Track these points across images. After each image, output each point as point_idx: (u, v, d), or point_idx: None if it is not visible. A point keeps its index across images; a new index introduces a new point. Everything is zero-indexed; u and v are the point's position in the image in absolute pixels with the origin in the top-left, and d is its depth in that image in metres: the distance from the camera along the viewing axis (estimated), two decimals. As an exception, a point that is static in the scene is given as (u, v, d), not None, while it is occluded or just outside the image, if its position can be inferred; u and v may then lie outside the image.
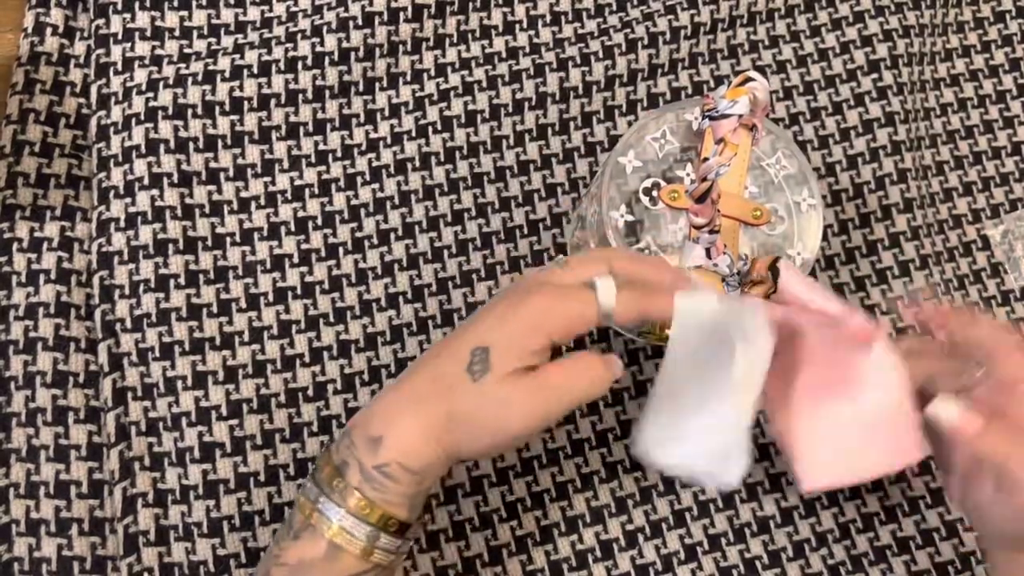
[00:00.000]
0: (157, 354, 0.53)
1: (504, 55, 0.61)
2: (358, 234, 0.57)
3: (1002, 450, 0.42)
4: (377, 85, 0.59)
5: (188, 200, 0.55)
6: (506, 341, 0.40)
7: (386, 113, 0.59)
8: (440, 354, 0.41)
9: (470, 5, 0.62)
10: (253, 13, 0.60)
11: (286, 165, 0.57)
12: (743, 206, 0.50)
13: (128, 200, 0.54)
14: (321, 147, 0.58)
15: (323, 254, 0.56)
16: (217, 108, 0.57)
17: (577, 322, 0.40)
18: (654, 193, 0.50)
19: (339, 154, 0.58)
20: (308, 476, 0.42)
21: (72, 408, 0.52)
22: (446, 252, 0.57)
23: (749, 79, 0.49)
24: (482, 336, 0.40)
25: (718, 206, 0.48)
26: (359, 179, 0.58)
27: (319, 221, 0.57)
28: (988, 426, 0.42)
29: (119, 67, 0.57)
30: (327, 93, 0.58)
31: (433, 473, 0.41)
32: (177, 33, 0.58)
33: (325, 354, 0.55)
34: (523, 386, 0.39)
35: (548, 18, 0.63)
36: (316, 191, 0.57)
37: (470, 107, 0.60)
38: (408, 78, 0.60)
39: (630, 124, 0.61)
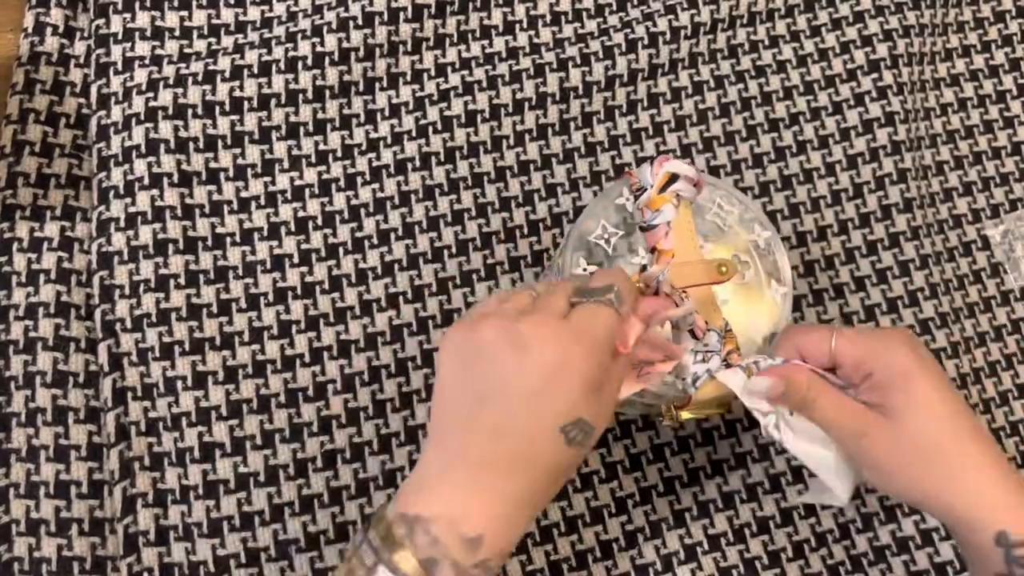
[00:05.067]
0: (157, 354, 0.53)
1: (504, 55, 0.61)
2: (358, 234, 0.57)
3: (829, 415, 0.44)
4: (377, 85, 0.59)
5: (188, 200, 0.55)
6: (591, 400, 0.38)
7: (386, 113, 0.59)
8: (520, 437, 0.38)
9: (470, 5, 0.62)
10: (253, 13, 0.60)
11: (286, 165, 0.57)
12: (706, 268, 0.49)
13: (128, 200, 0.54)
14: (321, 147, 0.58)
15: (323, 254, 0.56)
16: (217, 108, 0.57)
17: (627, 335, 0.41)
18: (628, 257, 0.49)
19: (339, 154, 0.58)
20: (377, 565, 0.37)
21: (72, 408, 0.52)
22: (446, 252, 0.57)
23: (672, 177, 0.48)
24: (567, 408, 0.38)
25: (679, 292, 0.47)
26: (359, 179, 0.58)
27: (319, 221, 0.57)
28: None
29: (119, 67, 0.57)
30: (327, 93, 0.58)
31: None
32: (177, 33, 0.58)
33: (325, 354, 0.55)
34: (604, 425, 0.40)
35: (548, 18, 0.63)
36: (316, 191, 0.57)
37: (470, 107, 0.60)
38: (408, 78, 0.60)
39: (630, 124, 0.62)
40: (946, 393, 0.43)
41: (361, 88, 0.59)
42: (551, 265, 0.55)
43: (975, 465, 0.42)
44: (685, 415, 0.49)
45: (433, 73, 0.60)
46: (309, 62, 0.58)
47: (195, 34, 0.59)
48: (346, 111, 0.59)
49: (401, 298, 0.56)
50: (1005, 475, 0.42)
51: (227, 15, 0.59)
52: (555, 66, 0.61)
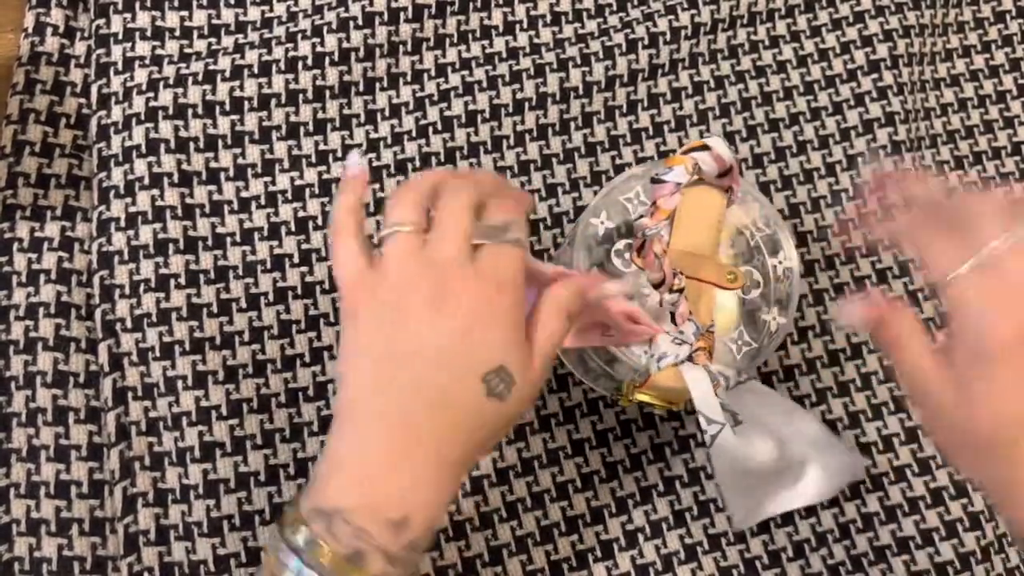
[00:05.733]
0: (157, 354, 0.53)
1: (504, 55, 0.61)
2: (358, 234, 0.57)
3: (973, 294, 0.38)
4: (377, 85, 0.60)
5: (188, 200, 0.55)
6: (511, 345, 0.37)
7: (386, 113, 0.59)
8: (439, 398, 0.36)
9: (470, 5, 0.62)
10: (253, 13, 0.60)
11: (286, 165, 0.57)
12: (717, 270, 0.49)
13: (128, 200, 0.54)
14: (321, 147, 0.58)
15: (323, 254, 0.56)
16: (217, 108, 0.57)
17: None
18: (626, 255, 0.50)
19: (339, 154, 0.58)
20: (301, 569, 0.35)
21: (72, 408, 0.52)
22: (446, 252, 0.57)
23: (703, 147, 0.48)
24: (487, 356, 0.36)
25: (676, 270, 0.47)
26: (359, 179, 0.58)
27: (319, 221, 0.57)
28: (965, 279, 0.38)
29: (119, 67, 0.57)
30: (327, 93, 0.58)
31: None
32: (177, 33, 0.58)
33: (325, 354, 0.55)
34: (535, 376, 0.38)
35: (548, 18, 0.63)
36: (316, 191, 0.57)
37: (470, 107, 0.60)
38: (408, 78, 0.60)
39: (631, 124, 0.62)
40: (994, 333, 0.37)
41: (361, 88, 0.59)
42: (555, 261, 0.55)
43: None
44: (640, 396, 0.49)
45: (433, 73, 0.60)
46: (309, 62, 0.58)
47: (195, 34, 0.59)
48: (346, 111, 0.59)
49: (401, 298, 0.56)
50: None
51: (227, 15, 0.59)
52: (555, 66, 0.61)
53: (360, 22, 0.59)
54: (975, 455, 0.39)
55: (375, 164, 0.58)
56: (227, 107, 0.57)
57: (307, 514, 0.36)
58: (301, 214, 0.57)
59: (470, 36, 0.61)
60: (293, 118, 0.58)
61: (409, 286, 0.37)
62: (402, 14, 0.60)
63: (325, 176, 0.58)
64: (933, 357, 0.40)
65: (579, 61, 0.61)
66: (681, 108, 0.62)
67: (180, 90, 0.56)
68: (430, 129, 0.59)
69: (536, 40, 0.62)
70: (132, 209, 0.54)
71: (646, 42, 0.62)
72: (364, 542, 0.35)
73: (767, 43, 0.64)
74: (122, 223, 0.54)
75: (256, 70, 0.58)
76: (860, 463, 0.47)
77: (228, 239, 0.55)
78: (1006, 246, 0.37)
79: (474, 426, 0.37)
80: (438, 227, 0.38)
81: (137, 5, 0.58)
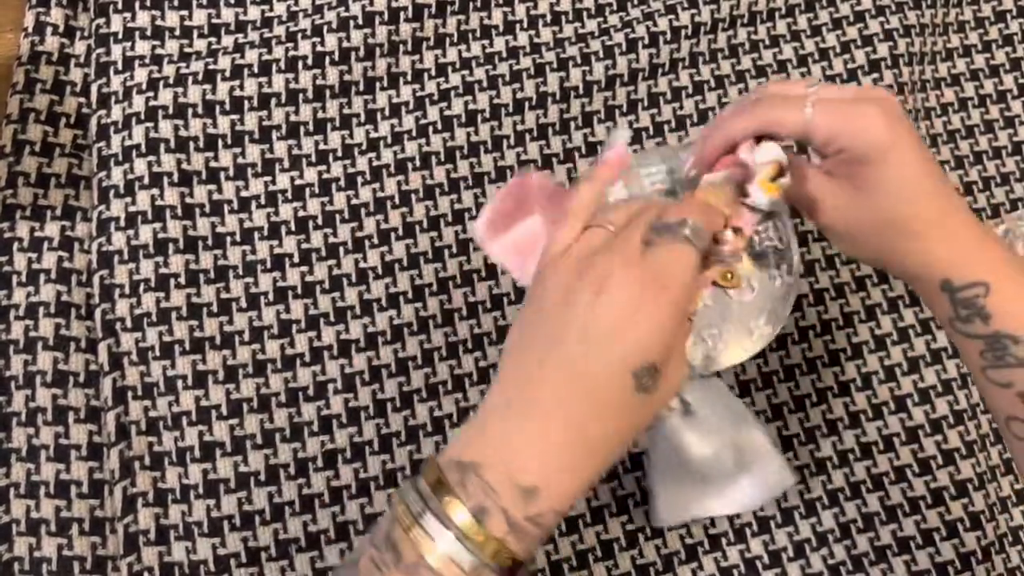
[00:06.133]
0: (157, 353, 0.53)
1: (505, 55, 0.61)
2: (358, 234, 0.57)
3: (831, 121, 0.42)
4: (378, 85, 0.59)
5: (188, 199, 0.55)
6: (666, 345, 0.37)
7: (386, 113, 0.59)
8: (587, 381, 0.37)
9: (471, 5, 0.62)
10: (253, 12, 0.60)
11: (286, 164, 0.57)
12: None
13: (128, 199, 0.54)
14: (321, 147, 0.58)
15: (323, 254, 0.56)
16: (217, 107, 0.57)
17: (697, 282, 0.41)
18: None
19: (339, 154, 0.58)
20: (426, 509, 0.36)
21: (72, 408, 0.52)
22: (447, 251, 0.57)
23: (780, 173, 0.45)
24: (639, 352, 0.37)
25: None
26: (359, 179, 0.58)
27: (319, 221, 0.57)
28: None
29: (119, 66, 0.57)
30: (327, 93, 0.58)
31: None
32: (177, 32, 0.58)
33: (325, 354, 0.55)
34: (681, 373, 0.40)
35: (549, 18, 0.62)
36: (316, 191, 0.57)
37: (471, 107, 0.60)
38: (409, 78, 0.60)
39: (631, 124, 0.61)
40: (917, 168, 0.42)
41: (361, 88, 0.59)
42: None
43: (940, 237, 0.43)
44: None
45: (433, 73, 0.60)
46: (309, 62, 0.58)
47: (195, 33, 0.59)
48: (346, 111, 0.59)
49: (401, 298, 0.56)
50: (979, 237, 0.43)
51: (227, 14, 0.59)
52: (555, 66, 0.61)
53: (360, 21, 0.59)
54: (869, 239, 0.44)
55: (375, 164, 0.58)
56: (227, 106, 0.57)
57: (444, 464, 0.36)
58: (301, 214, 0.57)
59: (470, 36, 0.61)
60: (293, 117, 0.58)
61: (583, 269, 0.38)
62: (402, 14, 0.60)
63: (325, 176, 0.58)
64: (820, 171, 0.44)
65: (579, 60, 0.61)
66: (681, 108, 0.62)
67: (180, 89, 0.56)
68: (430, 129, 0.59)
69: (536, 40, 0.62)
70: (132, 209, 0.54)
71: (646, 41, 0.62)
72: (491, 500, 0.35)
73: (768, 42, 0.64)
74: (122, 223, 0.54)
75: (256, 69, 0.57)
76: (790, 480, 0.48)
77: (228, 239, 0.55)
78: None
79: (618, 417, 0.37)
80: (626, 227, 0.40)
81: (137, 5, 0.58)
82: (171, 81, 0.56)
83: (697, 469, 0.46)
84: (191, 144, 0.56)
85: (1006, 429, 0.43)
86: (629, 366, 0.37)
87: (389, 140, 0.59)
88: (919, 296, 0.47)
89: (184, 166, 0.56)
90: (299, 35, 0.58)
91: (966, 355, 0.44)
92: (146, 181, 0.55)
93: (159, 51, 0.58)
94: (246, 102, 0.57)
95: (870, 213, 0.43)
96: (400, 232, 0.57)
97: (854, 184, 0.43)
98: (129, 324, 0.53)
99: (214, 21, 0.59)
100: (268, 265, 0.55)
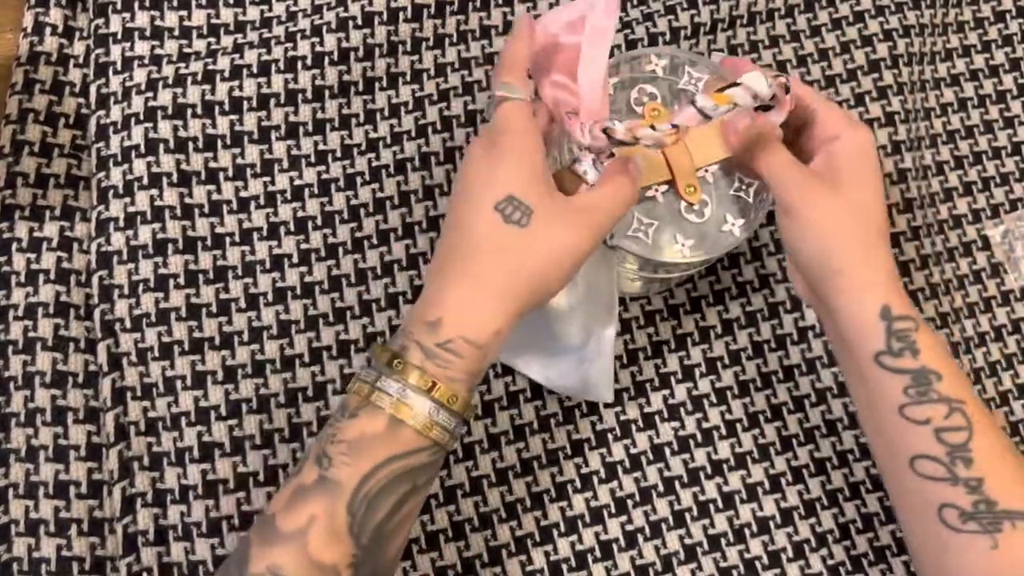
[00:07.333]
0: (156, 354, 0.53)
1: (504, 55, 0.61)
2: (358, 234, 0.57)
3: (777, 172, 0.48)
4: (377, 85, 0.59)
5: (187, 200, 0.55)
6: (521, 179, 0.42)
7: (386, 113, 0.59)
8: (462, 227, 0.43)
9: (470, 5, 0.62)
10: (252, 13, 0.60)
11: (286, 165, 0.57)
12: (689, 166, 0.51)
13: (127, 200, 0.54)
14: (321, 147, 0.58)
15: (323, 254, 0.56)
16: (217, 108, 0.57)
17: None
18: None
19: (339, 154, 0.58)
20: (362, 368, 0.42)
21: (71, 408, 0.52)
22: (446, 252, 0.57)
23: (736, 84, 0.46)
24: (495, 189, 0.42)
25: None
26: (359, 179, 0.58)
27: (319, 221, 0.57)
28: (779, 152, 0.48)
29: (118, 67, 0.57)
30: (327, 93, 0.58)
31: (498, 344, 0.42)
32: (176, 33, 0.58)
33: (325, 354, 0.55)
34: (568, 219, 0.43)
35: (548, 18, 0.62)
36: (316, 191, 0.57)
37: (470, 107, 0.60)
38: (408, 78, 0.60)
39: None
40: (880, 191, 0.48)
41: (360, 88, 0.59)
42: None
43: (880, 256, 0.48)
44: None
45: (433, 73, 0.60)
46: (308, 62, 0.58)
47: (194, 34, 0.59)
48: (345, 111, 0.59)
49: (401, 298, 0.56)
50: (892, 274, 0.48)
51: (226, 15, 0.59)
52: (555, 66, 0.61)
53: (359, 22, 0.59)
54: (834, 238, 0.47)
55: (374, 164, 0.58)
56: (226, 107, 0.57)
57: (395, 335, 0.43)
58: (300, 214, 0.57)
59: (469, 36, 0.61)
60: (292, 118, 0.58)
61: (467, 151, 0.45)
62: (401, 14, 0.60)
63: (324, 176, 0.58)
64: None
65: (579, 61, 0.61)
66: (681, 108, 0.62)
67: (179, 90, 0.56)
68: (429, 129, 0.59)
69: (536, 40, 0.62)
70: (131, 209, 0.54)
71: (646, 42, 0.62)
72: (408, 340, 0.41)
73: (767, 43, 0.64)
74: (121, 223, 0.54)
75: (255, 70, 0.57)
76: (607, 398, 0.51)
77: (227, 239, 0.55)
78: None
79: (496, 250, 0.42)
80: None
81: (136, 5, 0.58)
82: (170, 81, 0.56)
83: (547, 325, 0.49)
84: (190, 144, 0.56)
85: (908, 469, 0.45)
86: (489, 201, 0.42)
87: (388, 140, 0.59)
88: (830, 340, 0.50)
89: (183, 166, 0.56)
90: (298, 35, 0.58)
91: (882, 393, 0.46)
92: (145, 181, 0.55)
93: (158, 51, 0.58)
94: (245, 102, 0.57)
95: (841, 210, 0.47)
96: (399, 232, 0.57)
97: (833, 179, 0.48)
98: (128, 324, 0.53)
99: (213, 21, 0.59)
100: (267, 265, 0.55)
